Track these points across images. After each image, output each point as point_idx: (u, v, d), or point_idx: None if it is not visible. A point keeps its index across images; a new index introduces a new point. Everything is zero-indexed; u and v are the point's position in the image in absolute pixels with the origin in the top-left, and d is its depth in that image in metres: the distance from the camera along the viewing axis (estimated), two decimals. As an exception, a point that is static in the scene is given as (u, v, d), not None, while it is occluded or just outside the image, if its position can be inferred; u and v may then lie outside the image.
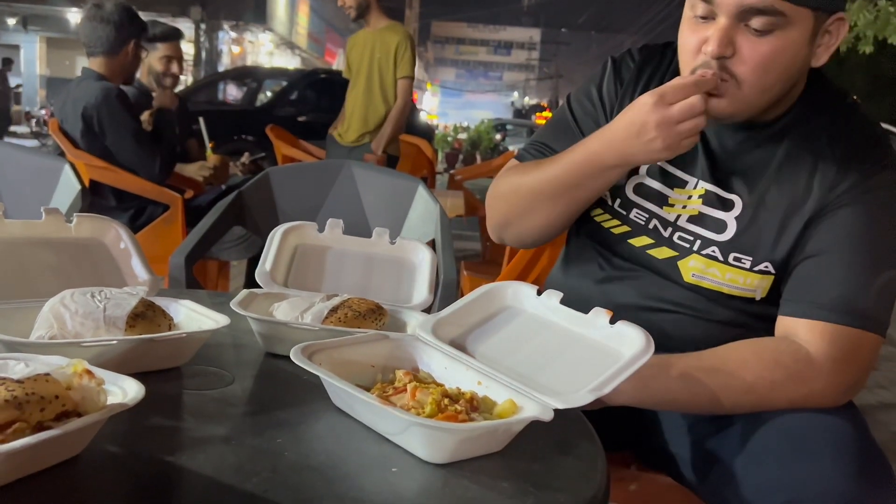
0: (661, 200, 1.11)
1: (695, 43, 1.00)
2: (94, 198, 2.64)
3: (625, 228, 1.14)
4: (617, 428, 1.04)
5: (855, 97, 1.13)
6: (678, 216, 1.10)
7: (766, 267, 1.05)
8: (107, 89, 2.57)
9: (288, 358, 0.75)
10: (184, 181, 2.94)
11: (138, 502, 0.59)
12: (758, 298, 1.07)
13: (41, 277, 0.92)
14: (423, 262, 1.13)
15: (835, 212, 1.01)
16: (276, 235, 1.11)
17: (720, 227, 1.07)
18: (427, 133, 9.53)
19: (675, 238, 1.10)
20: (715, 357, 0.97)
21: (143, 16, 2.86)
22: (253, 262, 2.66)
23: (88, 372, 0.59)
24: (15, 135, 13.58)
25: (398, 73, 3.68)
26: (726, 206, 1.07)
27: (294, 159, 3.87)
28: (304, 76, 10.03)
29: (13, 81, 15.98)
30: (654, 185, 1.12)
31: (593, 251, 1.18)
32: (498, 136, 17.88)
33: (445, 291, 1.42)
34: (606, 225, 1.15)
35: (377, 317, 0.93)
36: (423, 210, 1.72)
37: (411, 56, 3.68)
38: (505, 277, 2.10)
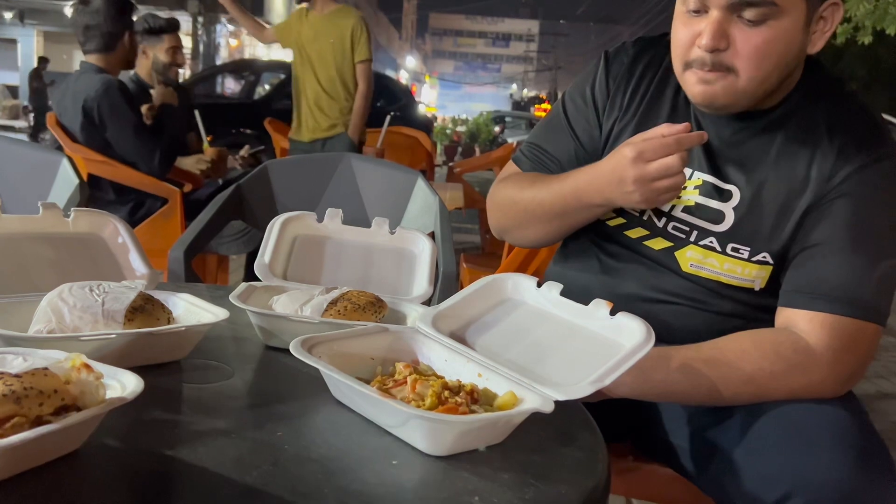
0: None
1: (688, 37, 1.01)
2: (93, 191, 2.63)
3: (620, 220, 1.14)
4: (617, 419, 1.04)
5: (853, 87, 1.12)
6: (673, 206, 1.10)
7: (765, 257, 1.05)
8: (107, 82, 2.56)
9: (288, 351, 0.74)
10: (183, 175, 2.93)
11: (138, 496, 0.59)
12: (757, 289, 1.07)
13: (39, 272, 0.92)
14: (423, 252, 1.12)
15: (833, 202, 1.00)
16: (275, 226, 1.11)
17: (718, 217, 1.07)
18: (426, 126, 9.50)
19: (669, 228, 1.10)
20: (714, 348, 0.97)
21: (141, 9, 2.84)
22: (252, 256, 2.66)
23: (87, 366, 0.59)
24: (13, 129, 13.55)
25: (357, 57, 3.56)
26: (724, 196, 1.07)
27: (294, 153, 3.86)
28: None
29: (9, 78, 15.93)
30: None
31: (591, 243, 1.18)
32: (497, 129, 17.87)
33: (445, 284, 1.42)
34: (602, 218, 1.15)
35: (377, 309, 0.93)
36: (423, 202, 1.72)
37: (368, 38, 3.59)
38: (504, 270, 2.10)
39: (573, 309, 0.86)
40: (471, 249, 4.78)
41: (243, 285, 0.97)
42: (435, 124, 16.09)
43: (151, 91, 2.89)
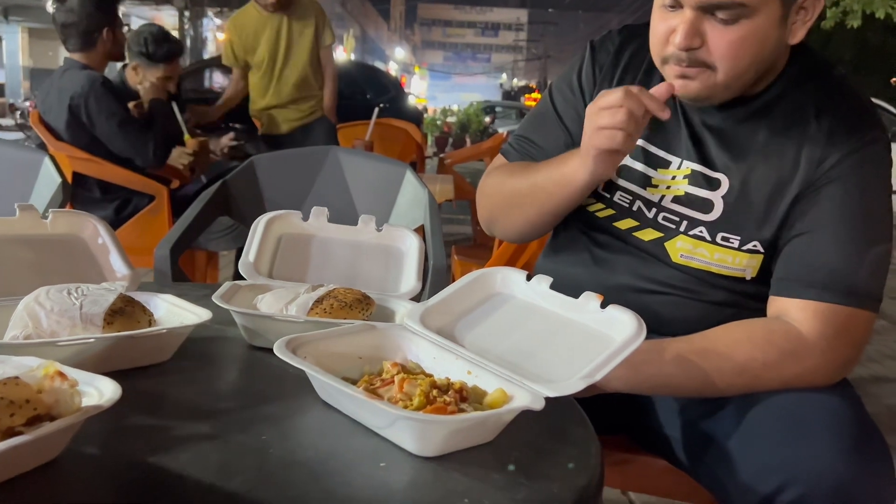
0: (645, 181, 1.10)
1: (664, 31, 1.00)
2: (79, 190, 2.60)
3: (609, 212, 1.13)
4: (611, 411, 1.03)
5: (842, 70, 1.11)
6: (662, 197, 1.08)
7: (755, 246, 1.04)
8: (92, 78, 2.52)
9: (273, 351, 0.73)
10: (170, 171, 2.89)
11: (118, 506, 0.57)
12: (748, 278, 1.06)
13: (17, 275, 0.90)
14: (410, 248, 1.11)
15: (823, 188, 0.99)
16: (259, 225, 1.09)
17: (707, 206, 1.05)
18: (416, 118, 9.46)
19: (659, 219, 1.08)
20: (706, 339, 0.96)
21: (128, 5, 2.77)
22: (242, 252, 2.63)
23: (60, 374, 0.57)
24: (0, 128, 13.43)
25: (324, 42, 3.64)
26: (713, 185, 1.06)
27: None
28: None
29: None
30: (637, 166, 1.11)
31: (581, 235, 1.17)
32: (487, 119, 17.82)
33: (436, 278, 1.41)
34: (591, 209, 1.14)
35: (364, 307, 0.91)
36: (412, 196, 1.70)
37: (329, 22, 3.70)
38: (494, 262, 2.09)
39: (563, 302, 0.84)
40: (462, 241, 4.77)
41: (227, 284, 0.95)
42: (425, 115, 16.03)
43: (138, 88, 2.85)
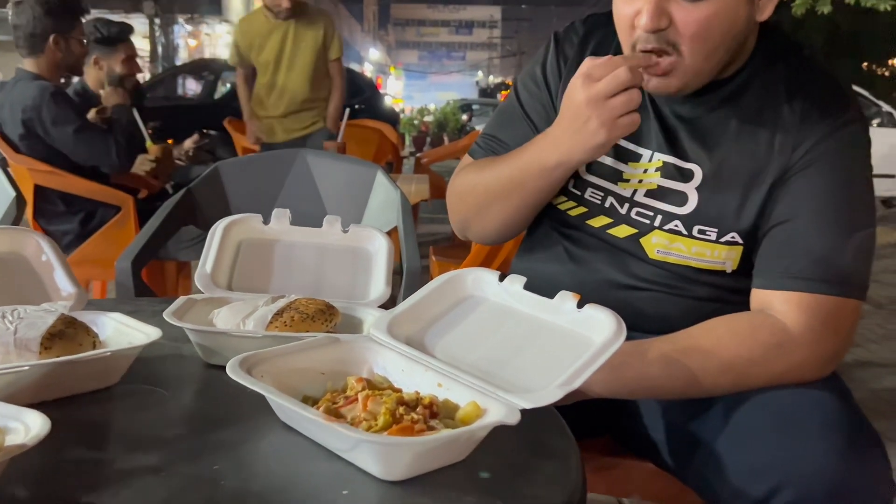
0: (616, 176, 1.05)
1: (629, 14, 0.95)
2: (41, 204, 2.52)
3: (581, 210, 1.08)
4: (592, 414, 0.98)
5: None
6: (634, 191, 1.04)
7: (734, 237, 0.99)
8: (42, 88, 2.43)
9: (226, 371, 0.67)
10: (138, 181, 2.82)
11: (50, 554, 0.52)
12: (729, 271, 1.02)
13: (-48, 298, 0.83)
14: (379, 251, 1.05)
15: (800, 173, 0.95)
16: (216, 232, 1.03)
17: (681, 199, 1.01)
18: (392, 118, 9.40)
19: (633, 214, 1.04)
20: (689, 338, 0.92)
21: (95, 13, 2.71)
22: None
23: (-23, 411, 0.51)
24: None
25: (332, 55, 3.72)
26: (685, 176, 1.01)
27: (254, 152, 3.76)
28: (262, 66, 9.81)
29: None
30: (607, 160, 1.06)
31: (556, 233, 1.12)
32: (465, 117, 17.77)
33: (410, 281, 1.35)
34: (563, 207, 1.10)
35: (327, 318, 0.86)
36: (384, 197, 1.65)
37: (339, 36, 3.79)
38: (470, 262, 2.04)
39: (538, 303, 0.79)
40: (441, 241, 4.72)
41: (182, 299, 0.90)
42: (403, 116, 15.95)
43: (100, 92, 2.77)
